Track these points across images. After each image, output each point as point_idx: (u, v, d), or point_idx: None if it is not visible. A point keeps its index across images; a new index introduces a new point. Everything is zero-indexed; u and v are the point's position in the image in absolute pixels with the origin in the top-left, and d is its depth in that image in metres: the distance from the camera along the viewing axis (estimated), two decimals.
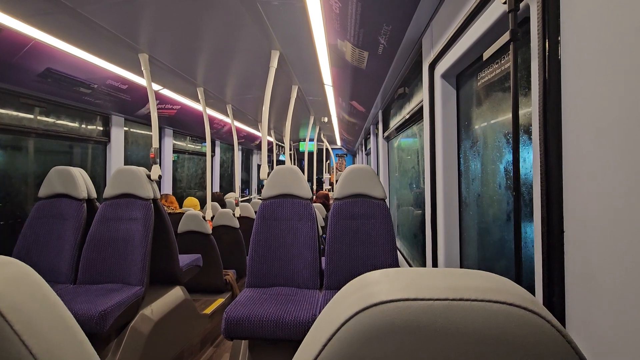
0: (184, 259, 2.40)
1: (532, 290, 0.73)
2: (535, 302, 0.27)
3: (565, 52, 0.57)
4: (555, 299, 0.58)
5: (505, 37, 0.70)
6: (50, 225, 2.05)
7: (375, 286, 0.29)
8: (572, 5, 0.55)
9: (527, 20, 0.69)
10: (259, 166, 7.89)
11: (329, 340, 0.27)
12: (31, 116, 2.65)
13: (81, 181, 2.12)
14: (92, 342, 0.40)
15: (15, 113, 2.53)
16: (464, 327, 0.25)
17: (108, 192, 2.06)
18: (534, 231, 0.64)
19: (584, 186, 0.53)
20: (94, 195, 2.21)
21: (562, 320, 0.57)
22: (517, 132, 0.71)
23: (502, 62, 0.94)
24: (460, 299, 0.26)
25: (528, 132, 0.82)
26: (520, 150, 0.70)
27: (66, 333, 0.36)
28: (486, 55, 0.82)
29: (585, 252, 0.53)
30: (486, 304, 0.25)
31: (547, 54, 0.59)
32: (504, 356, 0.25)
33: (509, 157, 0.96)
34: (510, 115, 0.71)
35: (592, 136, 0.51)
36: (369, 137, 4.61)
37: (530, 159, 0.80)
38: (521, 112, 0.79)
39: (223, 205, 4.41)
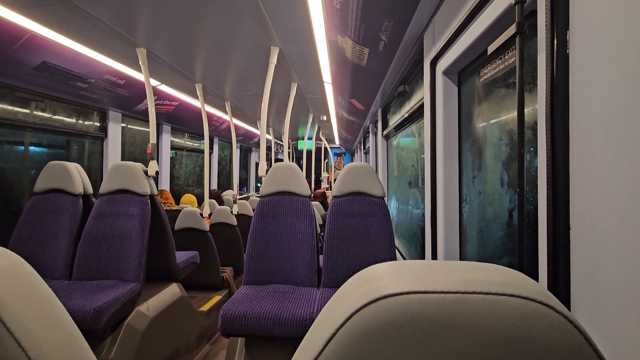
0: (181, 256, 2.39)
1: None
2: (550, 295, 0.26)
3: (573, 46, 0.55)
4: (560, 296, 0.57)
5: (511, 30, 0.68)
6: (46, 221, 2.03)
7: (381, 279, 0.27)
8: None
9: (533, 13, 0.68)
10: (257, 164, 7.87)
11: (333, 335, 0.26)
12: (27, 110, 2.62)
13: (77, 176, 2.10)
14: (86, 339, 0.39)
15: (10, 107, 2.50)
16: (477, 321, 0.24)
17: (104, 187, 2.04)
18: (539, 227, 0.63)
19: (591, 182, 0.52)
20: (90, 190, 2.19)
21: None
22: (522, 128, 0.69)
23: (506, 57, 0.93)
24: (473, 292, 0.24)
25: (532, 129, 0.81)
26: (525, 146, 0.69)
27: (58, 327, 0.34)
28: (490, 49, 0.80)
29: (592, 248, 0.52)
30: (500, 297, 0.24)
31: (555, 47, 0.57)
32: (518, 351, 0.23)
33: (512, 154, 0.95)
34: (514, 112, 0.70)
35: (601, 132, 0.50)
36: (368, 136, 4.61)
37: (533, 156, 0.79)
38: (526, 108, 0.77)
39: (221, 202, 4.40)
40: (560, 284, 0.57)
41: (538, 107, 0.63)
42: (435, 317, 0.24)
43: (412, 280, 0.26)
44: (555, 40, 0.57)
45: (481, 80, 1.10)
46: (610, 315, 0.48)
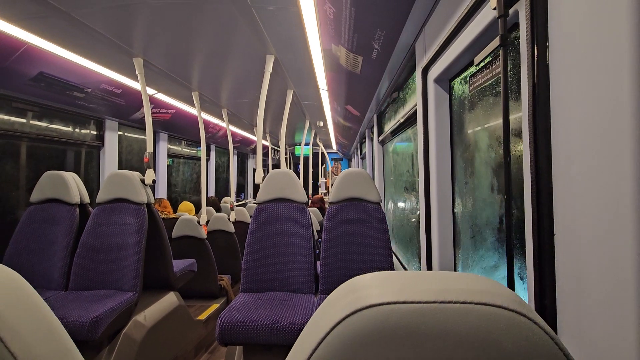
0: (178, 264, 2.38)
1: (524, 292, 0.73)
2: (523, 304, 0.27)
3: (553, 57, 0.57)
4: (546, 302, 0.58)
5: (496, 42, 0.71)
6: (42, 231, 2.02)
7: (365, 290, 0.29)
8: (559, 11, 0.56)
9: (516, 25, 0.71)
10: (254, 170, 7.88)
11: (319, 344, 0.27)
12: (23, 120, 2.63)
13: (74, 186, 2.10)
14: (83, 349, 0.40)
15: (7, 117, 2.51)
16: (453, 329, 0.25)
17: (101, 196, 2.05)
18: (525, 234, 0.64)
19: (573, 189, 0.54)
20: (87, 200, 2.19)
21: (553, 323, 0.57)
22: (507, 136, 0.71)
23: (493, 66, 0.95)
24: (449, 302, 0.26)
25: (519, 136, 0.83)
26: (510, 154, 0.71)
27: (53, 341, 0.35)
28: (477, 59, 0.83)
29: (575, 254, 0.53)
30: (475, 306, 0.25)
31: (535, 58, 0.60)
32: (491, 358, 0.25)
33: (501, 160, 0.96)
34: (500, 120, 0.72)
35: (581, 139, 0.52)
36: (365, 141, 4.64)
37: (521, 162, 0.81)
38: (512, 116, 0.79)
39: (218, 209, 4.39)
40: (546, 289, 0.58)
41: (522, 116, 0.65)
42: (414, 326, 0.25)
43: (393, 291, 0.27)
44: (536, 51, 0.59)
45: (471, 88, 1.12)
46: (595, 321, 0.50)
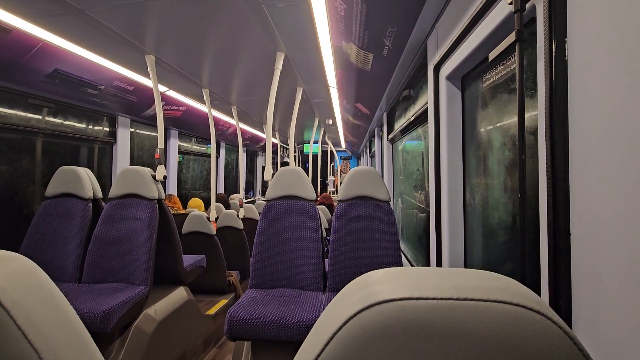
0: (188, 260, 2.41)
1: (537, 293, 0.72)
2: (542, 302, 0.26)
3: (572, 53, 0.56)
4: (561, 302, 0.57)
5: (511, 37, 0.69)
6: (57, 225, 2.07)
7: (377, 285, 0.28)
8: (579, 5, 0.54)
9: (533, 20, 0.69)
10: (263, 168, 7.91)
11: (330, 339, 0.27)
12: (39, 116, 2.69)
13: (87, 181, 2.14)
14: (95, 341, 0.40)
15: (23, 113, 2.56)
16: (469, 327, 0.24)
17: (113, 192, 2.08)
18: (540, 233, 0.63)
19: (590, 188, 0.52)
20: (100, 195, 2.23)
21: (568, 323, 0.56)
22: (522, 134, 0.70)
23: (508, 63, 0.93)
24: (465, 299, 0.25)
25: (534, 134, 0.81)
26: (525, 152, 0.70)
27: (69, 330, 0.36)
28: (491, 56, 0.81)
29: (592, 254, 0.52)
30: (491, 304, 0.25)
31: (553, 54, 0.58)
32: (509, 357, 0.24)
33: (515, 159, 0.95)
34: (516, 117, 0.71)
35: (599, 138, 0.51)
36: (374, 140, 4.61)
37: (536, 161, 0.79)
38: (527, 114, 0.78)
39: (227, 206, 4.43)
40: (561, 290, 0.57)
41: (538, 114, 0.63)
42: (428, 322, 0.25)
43: (407, 286, 0.27)
44: (554, 47, 0.58)
45: (484, 85, 1.11)
46: (612, 321, 0.48)
